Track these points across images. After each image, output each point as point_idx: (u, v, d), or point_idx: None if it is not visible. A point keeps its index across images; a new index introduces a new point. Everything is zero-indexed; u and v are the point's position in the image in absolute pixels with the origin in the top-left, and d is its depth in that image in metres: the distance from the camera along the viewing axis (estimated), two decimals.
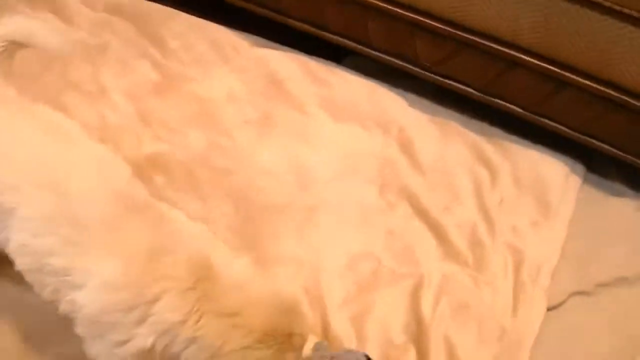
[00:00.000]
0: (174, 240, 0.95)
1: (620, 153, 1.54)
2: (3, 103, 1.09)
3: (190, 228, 1.00)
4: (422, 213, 1.44)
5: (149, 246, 0.93)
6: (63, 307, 0.97)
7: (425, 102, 1.71)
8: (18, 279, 1.15)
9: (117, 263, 0.92)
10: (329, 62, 1.78)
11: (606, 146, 1.54)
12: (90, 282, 0.93)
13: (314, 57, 1.77)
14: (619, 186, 1.60)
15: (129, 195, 1.00)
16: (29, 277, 1.01)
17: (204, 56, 1.74)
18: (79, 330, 0.97)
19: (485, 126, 1.67)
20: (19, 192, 0.96)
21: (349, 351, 1.13)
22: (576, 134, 1.55)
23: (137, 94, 1.60)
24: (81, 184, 0.98)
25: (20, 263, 0.99)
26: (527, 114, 1.57)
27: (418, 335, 1.23)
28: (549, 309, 1.33)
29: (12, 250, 0.99)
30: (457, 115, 1.69)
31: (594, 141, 1.54)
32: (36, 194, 0.96)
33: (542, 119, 1.56)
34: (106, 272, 0.91)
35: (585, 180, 1.60)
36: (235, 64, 1.73)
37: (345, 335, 1.21)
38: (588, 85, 1.45)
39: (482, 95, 1.59)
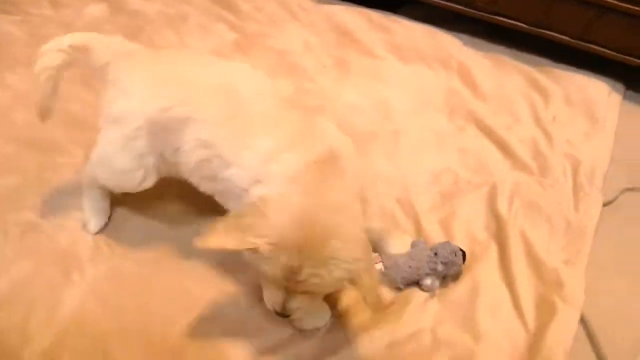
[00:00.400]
0: (316, 130, 1.15)
1: None
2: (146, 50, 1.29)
3: (332, 130, 1.18)
4: (488, 133, 1.65)
5: (296, 129, 1.12)
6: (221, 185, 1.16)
7: (478, 41, 1.91)
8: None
9: (270, 139, 1.10)
10: (386, 12, 1.97)
11: None
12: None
13: (373, 9, 1.97)
14: None
15: (288, 98, 1.22)
16: (198, 172, 1.18)
17: (275, 15, 1.95)
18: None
19: (534, 57, 1.88)
20: (191, 102, 1.14)
21: (446, 242, 1.36)
22: (617, 55, 1.75)
23: (222, 52, 1.80)
24: (247, 88, 1.16)
25: (197, 155, 1.15)
26: (574, 41, 1.76)
27: (497, 232, 1.43)
28: (604, 205, 1.53)
29: (184, 152, 1.15)
30: (507, 50, 1.90)
31: (633, 59, 1.73)
32: (209, 100, 1.14)
33: (588, 44, 1.76)
34: (262, 146, 1.10)
35: (625, 96, 1.81)
36: (304, 19, 1.94)
37: (436, 235, 1.41)
38: (628, 8, 1.62)
39: (532, 28, 1.78)
